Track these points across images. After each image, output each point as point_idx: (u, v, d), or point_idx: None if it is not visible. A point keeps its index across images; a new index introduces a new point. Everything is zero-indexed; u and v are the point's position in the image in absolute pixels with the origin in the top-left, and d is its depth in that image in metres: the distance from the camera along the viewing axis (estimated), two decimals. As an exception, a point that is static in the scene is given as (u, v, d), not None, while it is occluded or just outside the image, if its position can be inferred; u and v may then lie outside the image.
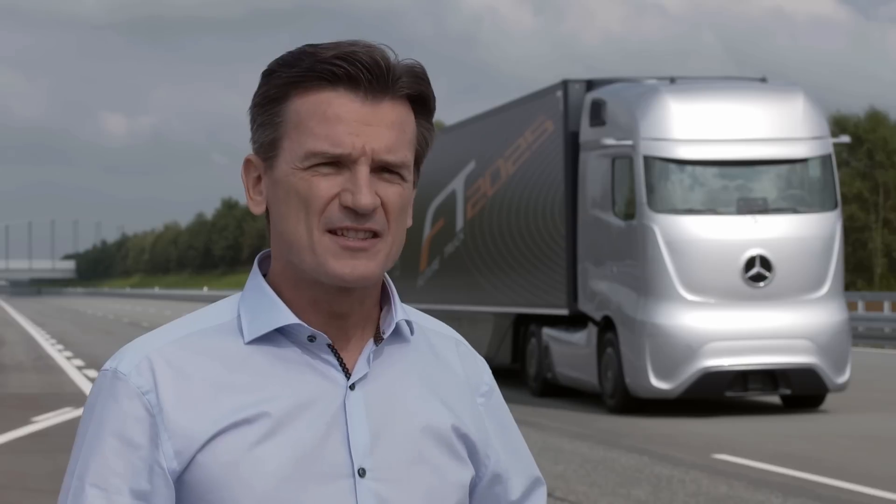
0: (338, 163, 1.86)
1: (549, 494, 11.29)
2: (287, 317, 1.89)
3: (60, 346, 35.61)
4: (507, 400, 2.10)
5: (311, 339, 1.90)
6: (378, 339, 1.94)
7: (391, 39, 1.96)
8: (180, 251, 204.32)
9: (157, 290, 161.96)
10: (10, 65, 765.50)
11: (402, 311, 1.96)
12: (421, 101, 1.92)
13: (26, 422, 16.70)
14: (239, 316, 1.92)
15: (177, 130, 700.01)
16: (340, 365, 1.91)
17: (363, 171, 1.85)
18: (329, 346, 1.90)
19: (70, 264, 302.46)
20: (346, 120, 1.86)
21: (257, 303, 1.92)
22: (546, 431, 15.51)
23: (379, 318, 1.96)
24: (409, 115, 1.90)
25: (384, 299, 1.97)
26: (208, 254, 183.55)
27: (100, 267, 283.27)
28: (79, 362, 28.49)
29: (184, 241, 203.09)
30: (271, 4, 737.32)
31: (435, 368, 2.00)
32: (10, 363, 28.87)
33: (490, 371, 2.10)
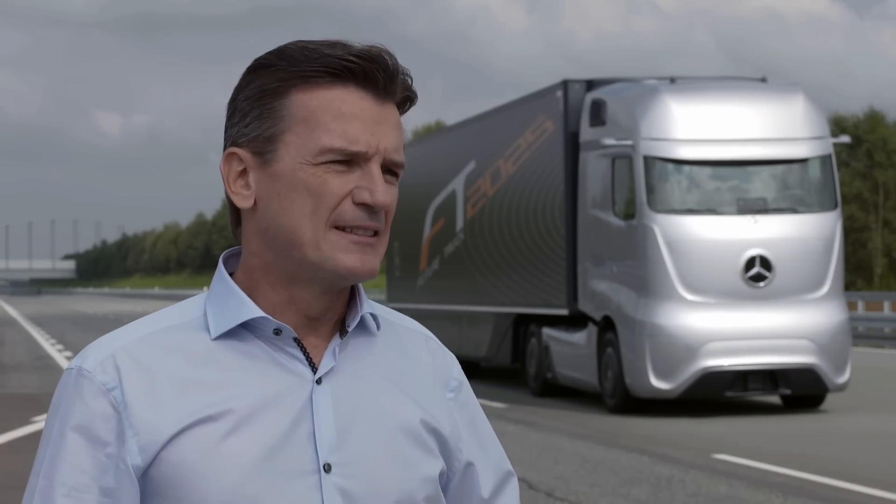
0: (350, 161, 1.86)
1: (549, 494, 11.29)
2: (252, 311, 1.88)
3: (60, 346, 35.60)
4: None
5: (277, 332, 1.89)
6: (343, 332, 1.93)
7: (387, 38, 1.97)
8: (180, 251, 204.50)
9: (157, 290, 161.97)
10: (2, 63, 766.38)
11: (367, 305, 1.96)
12: (408, 106, 1.94)
13: (26, 422, 16.69)
14: (205, 313, 1.92)
15: (172, 130, 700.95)
16: (307, 359, 1.90)
17: (377, 168, 1.87)
18: (295, 339, 1.90)
19: (70, 264, 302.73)
20: (362, 117, 1.86)
21: (224, 300, 1.91)
22: (546, 431, 15.50)
23: (345, 313, 1.95)
24: (400, 118, 1.92)
25: (350, 294, 1.97)
26: (208, 254, 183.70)
27: (100, 267, 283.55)
28: (79, 362, 28.47)
29: (184, 241, 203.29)
30: (267, 2, 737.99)
31: (403, 363, 1.99)
32: (10, 363, 28.87)
33: (459, 366, 2.09)
